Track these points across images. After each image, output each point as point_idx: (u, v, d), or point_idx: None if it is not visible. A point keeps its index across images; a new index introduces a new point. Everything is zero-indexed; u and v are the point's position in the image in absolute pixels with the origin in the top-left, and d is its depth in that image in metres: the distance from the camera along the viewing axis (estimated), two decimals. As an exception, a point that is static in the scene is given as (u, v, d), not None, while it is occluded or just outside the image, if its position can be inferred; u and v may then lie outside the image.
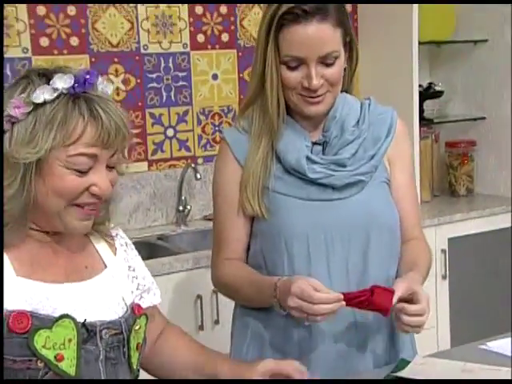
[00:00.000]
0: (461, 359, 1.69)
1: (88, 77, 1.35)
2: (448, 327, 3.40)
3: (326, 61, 1.70)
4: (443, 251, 3.36)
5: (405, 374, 1.61)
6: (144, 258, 3.09)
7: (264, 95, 1.76)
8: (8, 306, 1.32)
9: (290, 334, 1.79)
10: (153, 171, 3.36)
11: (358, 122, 1.82)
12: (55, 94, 1.32)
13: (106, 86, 1.40)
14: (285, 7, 1.66)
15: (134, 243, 3.23)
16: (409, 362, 1.69)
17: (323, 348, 1.77)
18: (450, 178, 3.87)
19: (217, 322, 2.84)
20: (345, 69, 1.79)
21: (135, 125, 3.27)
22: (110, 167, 1.40)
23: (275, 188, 1.79)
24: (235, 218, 1.84)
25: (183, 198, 3.40)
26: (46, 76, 1.36)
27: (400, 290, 1.62)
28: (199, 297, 2.81)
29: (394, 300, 1.60)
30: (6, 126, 1.33)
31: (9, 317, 1.31)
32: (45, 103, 1.32)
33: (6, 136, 1.33)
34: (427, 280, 3.20)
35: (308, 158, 1.77)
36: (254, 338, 1.86)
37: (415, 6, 3.41)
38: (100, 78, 1.39)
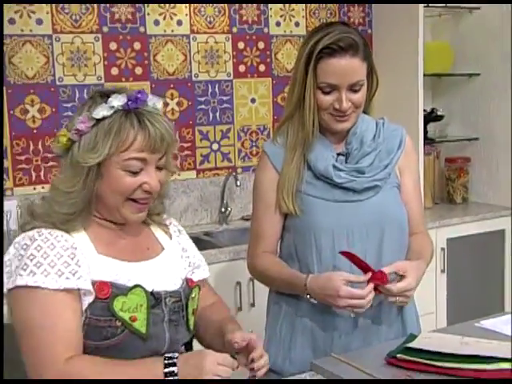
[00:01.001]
0: (459, 334, 1.71)
1: (139, 95, 1.40)
2: (445, 313, 3.40)
3: (353, 88, 1.73)
4: (442, 249, 3.36)
5: (414, 345, 1.63)
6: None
7: (300, 115, 1.78)
8: (93, 276, 1.37)
9: (316, 316, 1.81)
10: (200, 178, 3.38)
11: (374, 136, 1.84)
12: (111, 111, 1.38)
13: (156, 102, 1.44)
14: (322, 43, 1.70)
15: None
16: (416, 336, 1.70)
17: (344, 325, 1.79)
18: (449, 188, 3.85)
19: (253, 304, 2.86)
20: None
21: (186, 139, 3.30)
22: (159, 168, 1.44)
23: (306, 191, 1.80)
24: (271, 216, 1.85)
25: (225, 201, 3.41)
26: (107, 96, 1.41)
27: (395, 266, 1.69)
28: (238, 283, 2.83)
29: (388, 270, 1.67)
30: (75, 137, 1.39)
31: (94, 285, 1.36)
32: (104, 118, 1.38)
33: (76, 145, 1.40)
34: (429, 273, 3.28)
35: (334, 166, 1.79)
36: (286, 318, 1.87)
37: (421, 44, 3.42)
38: (150, 96, 1.43)
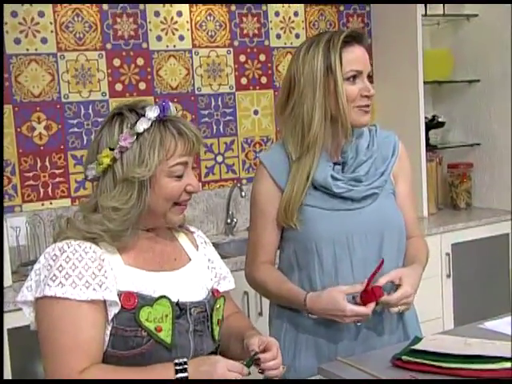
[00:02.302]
0: (463, 336, 1.73)
1: (165, 104, 1.44)
2: (452, 317, 3.42)
3: (369, 73, 1.80)
4: (447, 254, 3.37)
5: (420, 346, 1.65)
6: (200, 261, 3.17)
7: (320, 122, 1.75)
8: (119, 287, 1.40)
9: (319, 329, 1.82)
10: (205, 190, 3.41)
11: (369, 145, 1.85)
12: (150, 123, 1.41)
13: (172, 108, 1.47)
14: (340, 36, 1.74)
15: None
16: (421, 339, 1.72)
17: (347, 335, 1.82)
18: (452, 194, 3.86)
19: (260, 314, 2.87)
20: None
21: (191, 153, 3.37)
22: (192, 168, 1.51)
23: (305, 202, 1.81)
24: (270, 226, 1.86)
25: (230, 212, 3.44)
26: (134, 110, 1.44)
27: (389, 275, 1.72)
28: (246, 293, 2.83)
29: (383, 281, 1.69)
30: (117, 155, 1.41)
31: (120, 295, 1.39)
32: (143, 132, 1.41)
33: (118, 162, 1.42)
34: (434, 278, 3.33)
35: (332, 176, 1.79)
36: (289, 333, 1.88)
37: (420, 52, 3.47)
38: (170, 103, 1.47)
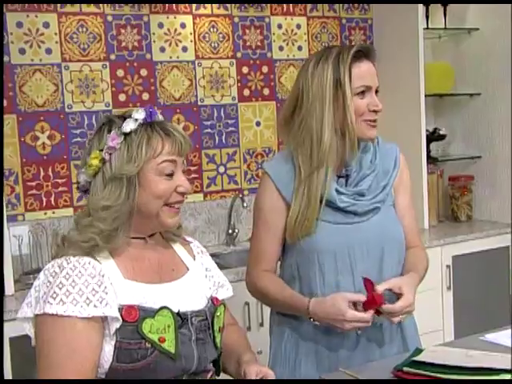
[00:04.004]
0: (464, 348, 1.74)
1: (151, 110, 1.49)
2: (452, 330, 3.41)
3: (377, 91, 1.81)
4: (448, 266, 3.37)
5: (421, 358, 1.65)
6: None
7: (329, 138, 1.75)
8: (120, 301, 1.40)
9: (320, 337, 1.83)
10: (207, 201, 3.42)
11: (371, 159, 1.86)
12: (137, 124, 1.45)
13: (160, 116, 1.52)
14: (349, 51, 1.75)
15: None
16: (422, 351, 1.72)
17: (347, 344, 1.82)
18: (453, 206, 3.86)
19: (261, 324, 2.88)
20: None
21: (193, 163, 3.34)
22: (183, 171, 1.52)
23: None
24: (273, 236, 1.86)
25: (232, 222, 3.44)
26: (123, 116, 1.49)
27: (388, 283, 1.72)
28: (247, 303, 2.83)
29: (381, 289, 1.69)
30: (106, 156, 1.45)
31: (121, 309, 1.39)
32: (131, 132, 1.45)
33: (107, 164, 1.45)
34: (435, 290, 3.33)
35: (337, 190, 1.80)
36: (290, 341, 1.88)
37: (422, 65, 3.48)
38: (157, 111, 1.52)
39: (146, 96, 3.25)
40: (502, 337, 1.84)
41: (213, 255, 3.18)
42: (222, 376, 1.65)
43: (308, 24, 3.67)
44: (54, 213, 3.05)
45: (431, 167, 3.74)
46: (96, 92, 3.13)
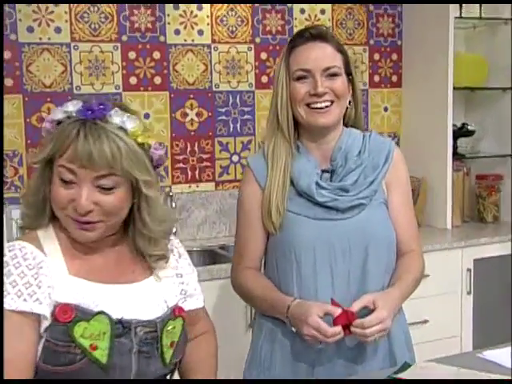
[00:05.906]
0: (458, 365, 1.61)
1: (97, 107, 1.31)
2: (471, 337, 3.26)
3: (329, 72, 1.70)
4: (469, 270, 3.21)
5: (404, 375, 1.55)
6: (207, 264, 3.11)
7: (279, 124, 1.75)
8: (58, 298, 1.30)
9: (297, 341, 1.73)
10: (219, 190, 3.32)
11: (360, 152, 1.77)
12: (65, 115, 1.32)
13: (126, 121, 1.33)
14: (294, 35, 1.75)
15: (200, 251, 3.22)
16: (410, 365, 1.61)
17: (325, 353, 1.71)
18: (479, 206, 3.70)
19: None
20: (350, 103, 1.77)
21: (205, 151, 3.25)
22: (104, 188, 1.31)
23: (288, 207, 1.74)
24: (255, 232, 1.79)
25: None
26: (89, 106, 1.33)
27: (361, 301, 1.62)
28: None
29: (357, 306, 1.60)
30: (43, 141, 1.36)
31: (56, 307, 1.29)
32: (61, 122, 1.33)
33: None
34: (454, 295, 3.16)
35: (317, 184, 1.73)
36: (267, 339, 1.81)
37: (451, 56, 3.33)
38: (113, 111, 1.32)
39: (157, 80, 3.14)
40: (502, 355, 1.67)
41: (221, 247, 3.15)
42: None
43: (333, 10, 3.51)
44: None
45: (458, 164, 3.58)
46: (106, 74, 3.04)
